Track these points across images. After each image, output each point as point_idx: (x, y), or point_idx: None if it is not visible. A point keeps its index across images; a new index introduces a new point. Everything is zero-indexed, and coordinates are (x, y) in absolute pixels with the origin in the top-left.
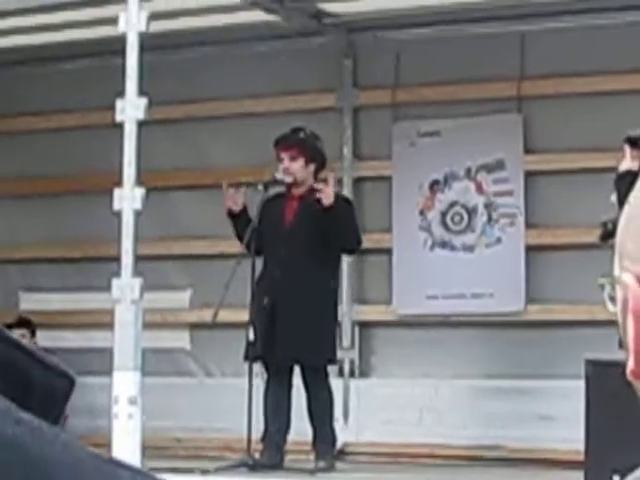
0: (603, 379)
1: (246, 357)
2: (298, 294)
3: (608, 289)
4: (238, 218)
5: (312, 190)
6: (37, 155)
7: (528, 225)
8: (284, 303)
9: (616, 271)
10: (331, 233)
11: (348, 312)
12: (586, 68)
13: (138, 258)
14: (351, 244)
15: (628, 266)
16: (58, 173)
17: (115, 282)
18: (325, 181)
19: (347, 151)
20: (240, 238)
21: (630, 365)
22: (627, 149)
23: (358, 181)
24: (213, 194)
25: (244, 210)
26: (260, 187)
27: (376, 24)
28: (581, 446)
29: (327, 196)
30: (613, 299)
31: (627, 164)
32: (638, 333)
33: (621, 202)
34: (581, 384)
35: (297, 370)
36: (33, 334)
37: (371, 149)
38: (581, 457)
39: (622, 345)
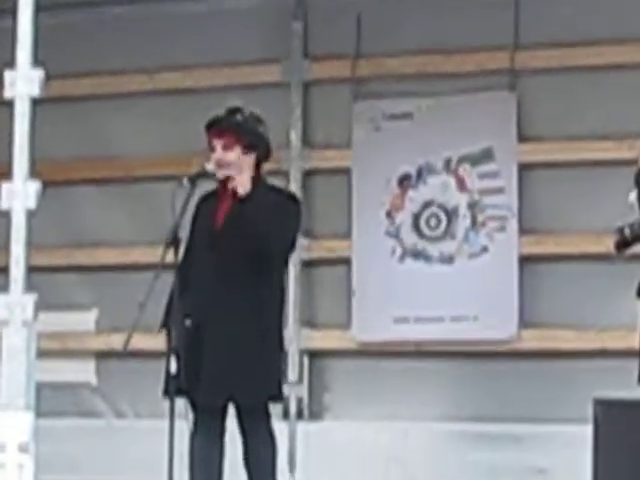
0: (616, 423)
1: (166, 392)
2: (229, 314)
3: None
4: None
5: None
6: None
7: (522, 230)
8: (211, 325)
9: None
10: (250, 229)
11: (295, 338)
12: (596, 35)
13: (31, 269)
14: (272, 246)
15: None
16: None
17: (2, 299)
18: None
19: (295, 136)
20: None
21: None
22: None
23: (309, 174)
24: (125, 190)
25: None
26: (186, 182)
27: None
28: None
29: (241, 183)
30: None
31: None
32: None
33: None
34: (588, 430)
35: (231, 410)
36: None
37: (326, 135)
38: None
39: None
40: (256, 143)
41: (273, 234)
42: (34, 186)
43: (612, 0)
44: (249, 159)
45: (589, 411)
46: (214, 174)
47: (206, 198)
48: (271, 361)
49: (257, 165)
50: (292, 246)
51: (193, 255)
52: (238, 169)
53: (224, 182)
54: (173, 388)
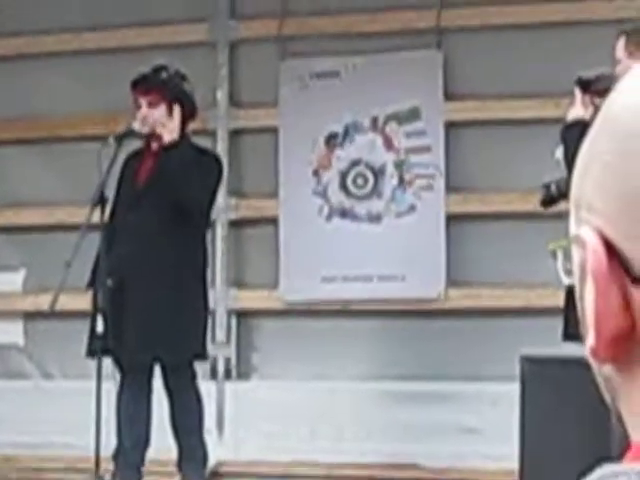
0: (542, 380)
1: (89, 352)
2: (151, 273)
3: (561, 257)
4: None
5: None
6: None
7: (449, 189)
8: (132, 284)
9: (572, 229)
10: (170, 185)
11: (222, 298)
12: None
13: None
14: (191, 200)
15: (587, 218)
16: None
17: None
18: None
19: (222, 96)
20: None
21: (590, 342)
22: (578, 93)
23: (236, 133)
24: (50, 150)
25: None
26: (111, 140)
27: None
28: (514, 464)
29: (168, 130)
30: (568, 271)
31: (577, 111)
32: (599, 299)
33: (570, 157)
34: (515, 387)
35: (158, 370)
36: None
37: (252, 94)
38: (514, 478)
39: (567, 337)
40: (181, 101)
41: (192, 188)
42: None
43: None
44: (174, 117)
45: (516, 369)
46: (140, 132)
47: (131, 158)
48: (194, 319)
49: (182, 123)
50: (211, 202)
51: (117, 214)
52: (163, 126)
53: (148, 140)
54: (99, 348)
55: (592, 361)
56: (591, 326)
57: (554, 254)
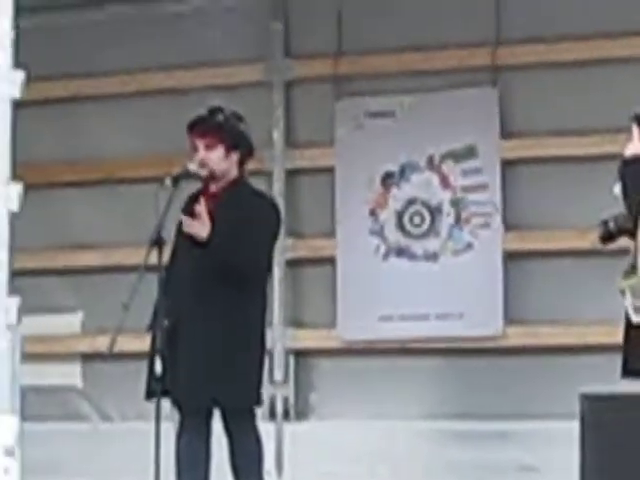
0: (602, 418)
1: (148, 394)
2: (205, 315)
3: (630, 295)
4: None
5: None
6: None
7: (507, 227)
8: (188, 326)
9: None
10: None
11: (280, 337)
12: (579, 30)
13: (15, 273)
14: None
15: None
16: None
17: None
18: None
19: (278, 136)
20: None
21: None
22: (635, 130)
23: (292, 173)
24: (107, 192)
25: None
26: (168, 182)
27: None
28: None
29: (197, 231)
30: (638, 309)
31: (635, 148)
32: None
33: (629, 193)
34: (574, 425)
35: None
36: None
37: (308, 133)
38: None
39: (627, 374)
40: (239, 142)
41: (245, 252)
42: (16, 188)
43: None
44: (232, 158)
45: (575, 407)
46: (197, 174)
47: (192, 199)
48: (252, 365)
49: (240, 165)
50: (269, 257)
51: (175, 256)
52: (222, 169)
53: (207, 182)
54: (159, 389)
55: None
56: None
57: (623, 292)
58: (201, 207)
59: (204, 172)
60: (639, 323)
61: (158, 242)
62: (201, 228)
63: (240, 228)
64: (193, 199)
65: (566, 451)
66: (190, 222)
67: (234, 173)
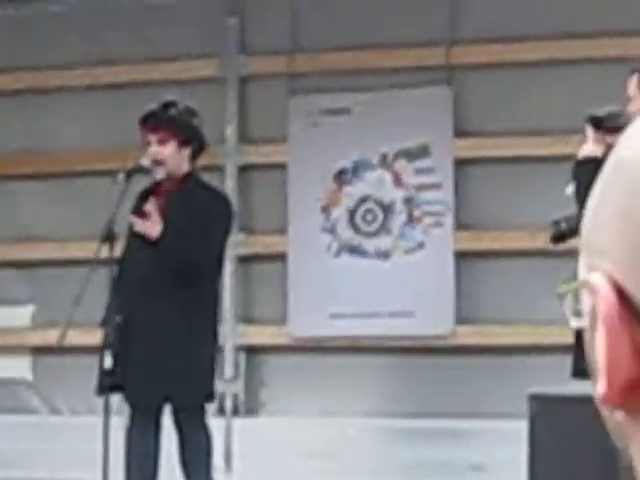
0: (551, 419)
1: (100, 389)
2: (158, 313)
3: (570, 300)
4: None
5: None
6: None
7: (458, 226)
8: (140, 323)
9: (582, 274)
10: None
11: (231, 334)
12: (533, 31)
13: None
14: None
15: (598, 264)
16: None
17: None
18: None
19: (231, 131)
20: None
21: (601, 389)
22: (589, 131)
23: (245, 169)
24: (62, 185)
25: None
26: (121, 176)
27: None
28: None
29: (148, 231)
30: (577, 313)
31: (589, 149)
32: (611, 347)
33: (581, 195)
34: (523, 425)
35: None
36: None
37: (262, 130)
38: None
39: (576, 374)
40: (191, 137)
41: (197, 250)
42: None
43: None
44: (184, 153)
45: (524, 406)
46: (149, 169)
47: (143, 195)
48: (204, 361)
49: (191, 160)
50: (220, 254)
51: (128, 251)
52: (174, 164)
53: (158, 181)
54: (108, 384)
55: (602, 407)
56: (602, 373)
57: (562, 297)
58: (151, 206)
59: (159, 174)
60: (578, 328)
61: (109, 237)
62: (152, 227)
63: (192, 225)
64: (144, 195)
65: (515, 450)
66: (140, 222)
67: (185, 168)
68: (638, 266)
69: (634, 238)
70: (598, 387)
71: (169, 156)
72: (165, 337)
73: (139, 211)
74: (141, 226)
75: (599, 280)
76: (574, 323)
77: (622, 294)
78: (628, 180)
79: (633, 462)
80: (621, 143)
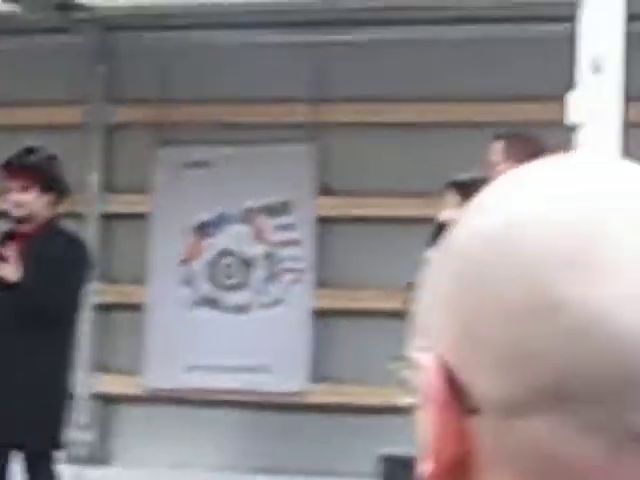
0: (399, 478)
1: None
2: (10, 358)
3: (402, 376)
4: None
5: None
6: None
7: (318, 284)
8: None
9: (412, 352)
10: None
11: (86, 382)
12: (400, 93)
13: None
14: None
15: (429, 344)
16: None
17: None
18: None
19: (94, 180)
20: None
21: (427, 466)
22: (451, 196)
23: (108, 218)
24: None
25: None
26: None
27: (139, 23)
28: None
29: (9, 274)
30: (408, 391)
31: (450, 213)
32: (437, 426)
33: None
34: None
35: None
36: None
37: (127, 179)
38: None
39: None
40: (52, 184)
41: (55, 296)
42: None
43: (416, 60)
44: (44, 199)
45: (374, 466)
46: (10, 214)
47: (2, 239)
48: (53, 407)
49: (52, 207)
50: (76, 306)
51: None
52: (35, 209)
53: (19, 223)
54: None
55: None
56: (432, 450)
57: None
58: (11, 250)
59: (20, 213)
60: (405, 404)
61: None
62: (11, 271)
63: (50, 270)
64: (3, 240)
65: None
66: (0, 266)
67: (46, 214)
68: (465, 347)
69: (463, 320)
70: (425, 465)
71: (31, 202)
72: (14, 384)
73: None
74: (1, 270)
75: (428, 360)
76: (405, 400)
77: (450, 375)
78: (459, 262)
79: None
80: (457, 225)
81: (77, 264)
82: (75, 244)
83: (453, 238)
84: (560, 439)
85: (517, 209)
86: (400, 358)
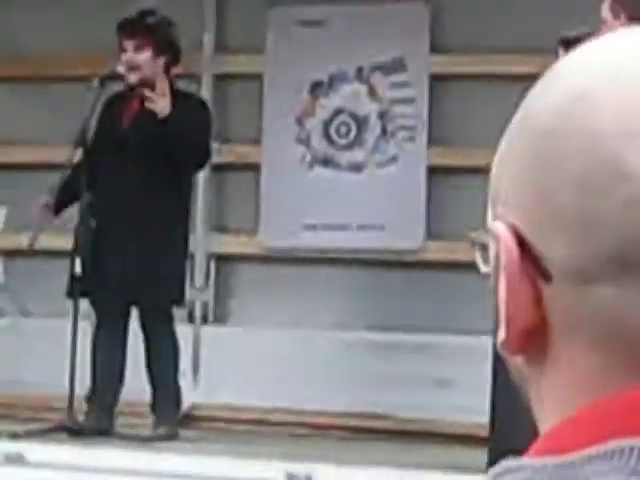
0: None
1: (69, 294)
2: (132, 216)
3: (480, 243)
4: (61, 208)
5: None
6: None
7: (432, 141)
8: (114, 227)
9: (489, 221)
10: (170, 144)
11: (202, 242)
12: None
13: None
14: (196, 158)
15: (502, 212)
16: None
17: None
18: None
19: (208, 41)
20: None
21: (501, 335)
22: (561, 53)
23: (221, 79)
24: (33, 88)
25: (57, 203)
26: (95, 83)
27: None
28: (485, 419)
29: (160, 108)
30: (486, 259)
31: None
32: (511, 294)
33: None
34: (488, 341)
35: (135, 313)
36: None
37: (240, 39)
38: (485, 432)
39: None
40: (167, 46)
41: (193, 142)
42: None
43: None
44: (159, 62)
45: (490, 324)
46: (124, 75)
47: (113, 100)
48: (174, 265)
49: (167, 68)
50: (208, 154)
51: (98, 156)
52: (148, 71)
53: (133, 86)
54: (77, 289)
55: (504, 352)
56: (502, 319)
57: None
58: (164, 86)
59: (133, 77)
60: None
61: (83, 143)
62: (163, 105)
63: (180, 119)
64: (113, 101)
65: (480, 366)
66: (154, 97)
67: (160, 76)
68: (538, 215)
69: (536, 187)
70: (500, 332)
71: (144, 62)
72: (138, 241)
73: (107, 118)
74: (155, 100)
75: (501, 228)
76: (483, 269)
77: (524, 243)
78: (534, 132)
79: (530, 403)
80: (532, 95)
81: (201, 115)
82: (195, 101)
83: (528, 106)
84: (626, 304)
85: (585, 81)
86: (479, 227)
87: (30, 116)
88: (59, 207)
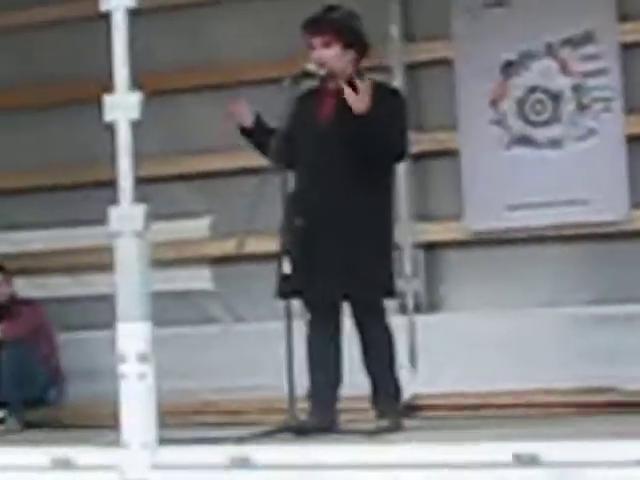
0: None
1: (280, 294)
2: (339, 211)
3: None
4: (253, 132)
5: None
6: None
7: (628, 110)
8: (322, 223)
9: None
10: (370, 137)
11: (408, 232)
12: None
13: (140, 180)
14: (393, 150)
15: None
16: (37, 81)
17: (113, 212)
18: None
19: (395, 30)
20: (264, 153)
21: None
22: None
23: (411, 68)
24: (228, 95)
25: (258, 120)
26: (287, 83)
27: None
28: None
29: (357, 102)
30: None
31: None
32: None
33: None
34: None
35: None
36: (9, 282)
37: (425, 27)
38: None
39: None
40: (354, 39)
41: (392, 137)
42: (136, 97)
43: None
44: (348, 56)
45: None
46: (315, 73)
47: (304, 97)
48: (382, 257)
49: (356, 61)
50: (407, 145)
51: (299, 154)
52: (338, 66)
53: (324, 80)
54: (288, 289)
55: None
56: None
57: None
58: (367, 85)
59: (322, 72)
60: None
61: (278, 143)
62: (363, 101)
63: (377, 118)
64: (305, 97)
65: None
66: (353, 93)
67: (350, 71)
68: None
69: None
70: None
71: (333, 58)
72: (346, 236)
73: (302, 114)
74: (354, 95)
75: None
76: None
77: None
78: None
79: None
80: None
81: (399, 107)
82: (390, 91)
83: None
84: None
85: None
86: None
87: (223, 123)
88: (256, 130)
